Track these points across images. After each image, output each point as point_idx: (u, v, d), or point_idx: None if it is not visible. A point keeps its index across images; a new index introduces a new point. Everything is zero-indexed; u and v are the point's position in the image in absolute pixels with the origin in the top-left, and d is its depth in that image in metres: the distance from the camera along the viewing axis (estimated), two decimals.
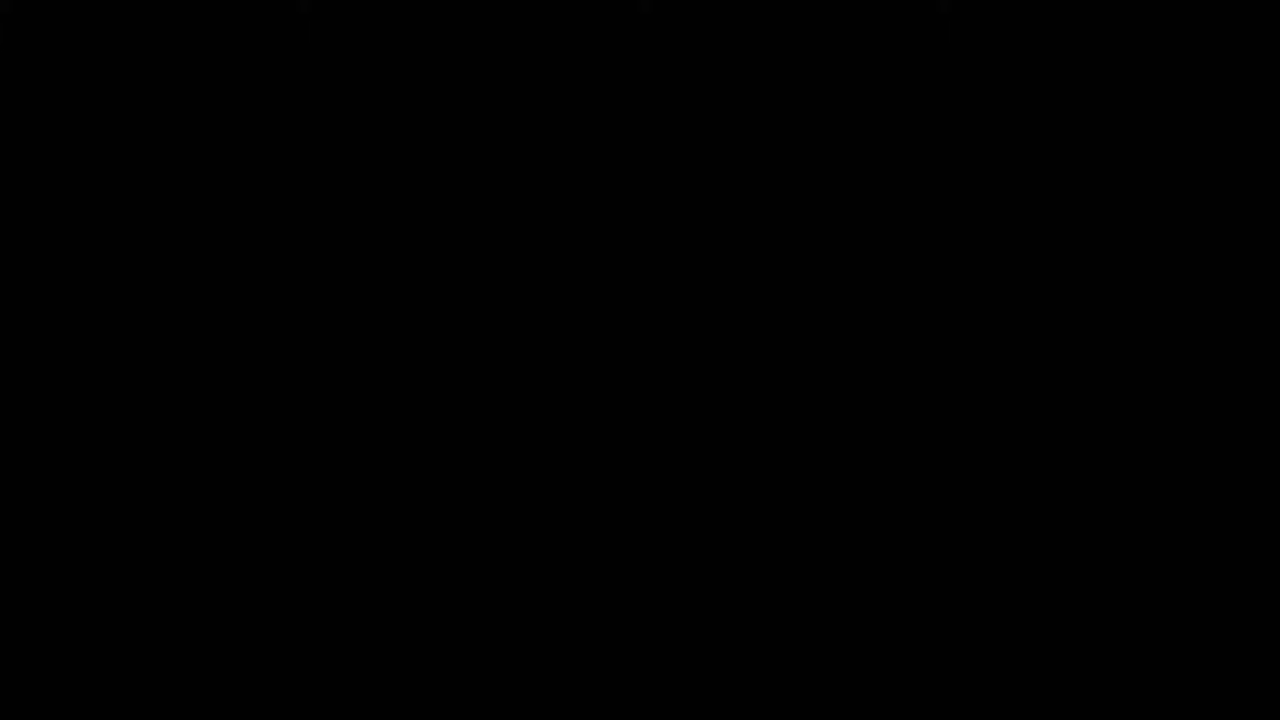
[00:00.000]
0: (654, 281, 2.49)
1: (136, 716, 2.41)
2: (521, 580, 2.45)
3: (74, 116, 2.50)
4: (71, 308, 2.48)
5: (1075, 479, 2.44)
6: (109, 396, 2.46)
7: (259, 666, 2.43)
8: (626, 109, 2.50)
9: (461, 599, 2.45)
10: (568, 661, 2.43)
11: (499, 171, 2.50)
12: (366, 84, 2.50)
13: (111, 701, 2.42)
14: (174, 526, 2.45)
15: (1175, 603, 2.42)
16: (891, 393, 2.46)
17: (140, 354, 2.47)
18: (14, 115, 2.50)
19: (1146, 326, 2.46)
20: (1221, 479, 2.43)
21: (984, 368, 2.46)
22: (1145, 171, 2.47)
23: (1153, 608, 2.42)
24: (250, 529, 2.45)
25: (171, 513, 2.45)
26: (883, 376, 2.46)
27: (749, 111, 2.49)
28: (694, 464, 2.46)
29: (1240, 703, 2.39)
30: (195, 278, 2.48)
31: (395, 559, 2.45)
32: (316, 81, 2.50)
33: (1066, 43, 2.48)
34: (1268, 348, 2.44)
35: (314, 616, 2.44)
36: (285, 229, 2.49)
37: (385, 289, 2.49)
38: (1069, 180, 2.48)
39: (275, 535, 2.45)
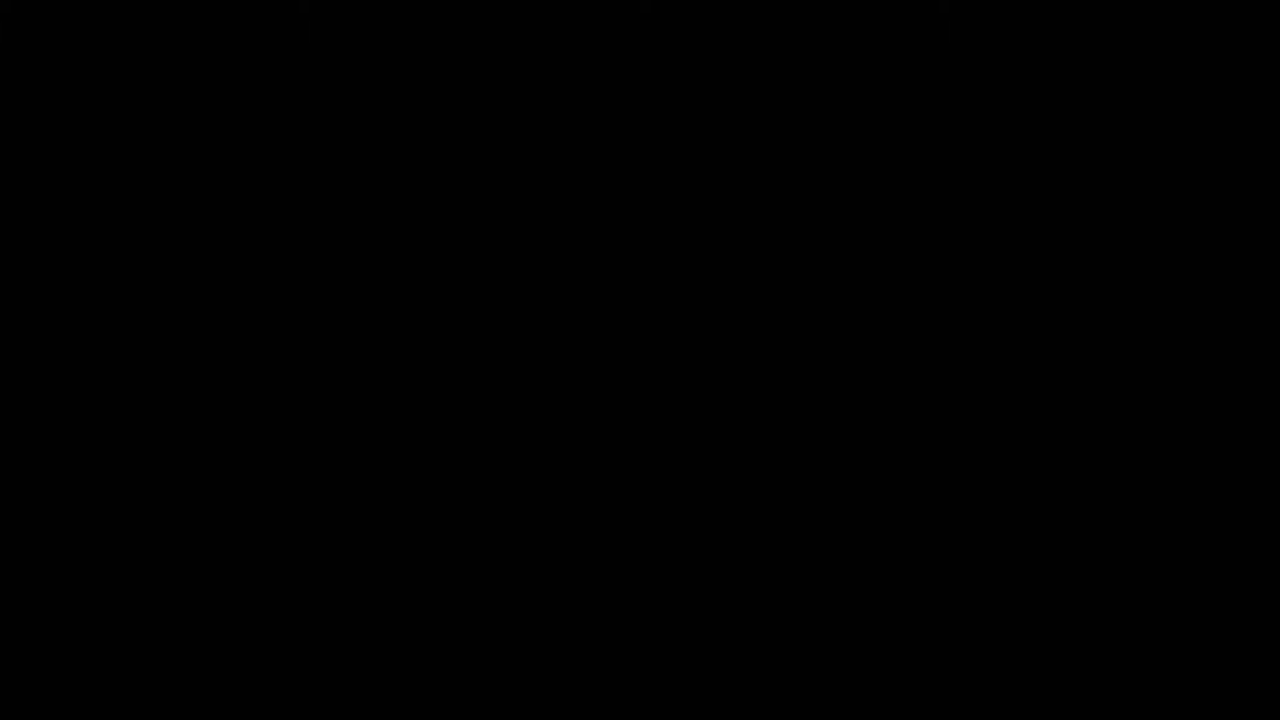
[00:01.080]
0: (654, 280, 2.49)
1: (136, 716, 2.42)
2: (522, 580, 2.45)
3: (74, 116, 2.50)
4: (72, 308, 2.48)
5: (1075, 479, 2.44)
6: (109, 396, 2.46)
7: (259, 666, 2.43)
8: (626, 109, 2.50)
9: (461, 599, 2.45)
10: (568, 661, 2.44)
11: (499, 171, 2.50)
12: (366, 84, 2.51)
13: (111, 701, 2.42)
14: (174, 526, 2.45)
15: (1175, 603, 2.42)
16: (891, 392, 2.46)
17: (140, 354, 2.47)
18: (14, 115, 2.50)
19: (1145, 325, 2.46)
20: (1221, 479, 2.43)
21: (983, 366, 2.46)
22: (1144, 171, 2.48)
23: (1153, 608, 2.42)
24: (250, 529, 2.45)
25: (171, 513, 2.45)
26: (882, 375, 2.46)
27: (749, 111, 2.50)
28: (693, 463, 2.46)
29: (1240, 703, 2.39)
30: (195, 277, 2.48)
31: (395, 559, 2.45)
32: (316, 81, 2.50)
33: (1066, 43, 2.48)
34: (1267, 347, 2.44)
35: (314, 616, 2.44)
36: (285, 228, 2.49)
37: (385, 288, 2.49)
38: (1068, 179, 2.48)
39: (275, 535, 2.45)
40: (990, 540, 2.44)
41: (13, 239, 2.48)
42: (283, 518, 2.46)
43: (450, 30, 2.51)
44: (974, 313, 2.47)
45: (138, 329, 2.48)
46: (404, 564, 2.45)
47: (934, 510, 2.45)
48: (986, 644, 2.42)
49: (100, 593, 2.44)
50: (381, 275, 2.49)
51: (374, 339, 2.48)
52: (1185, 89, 2.48)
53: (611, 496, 2.46)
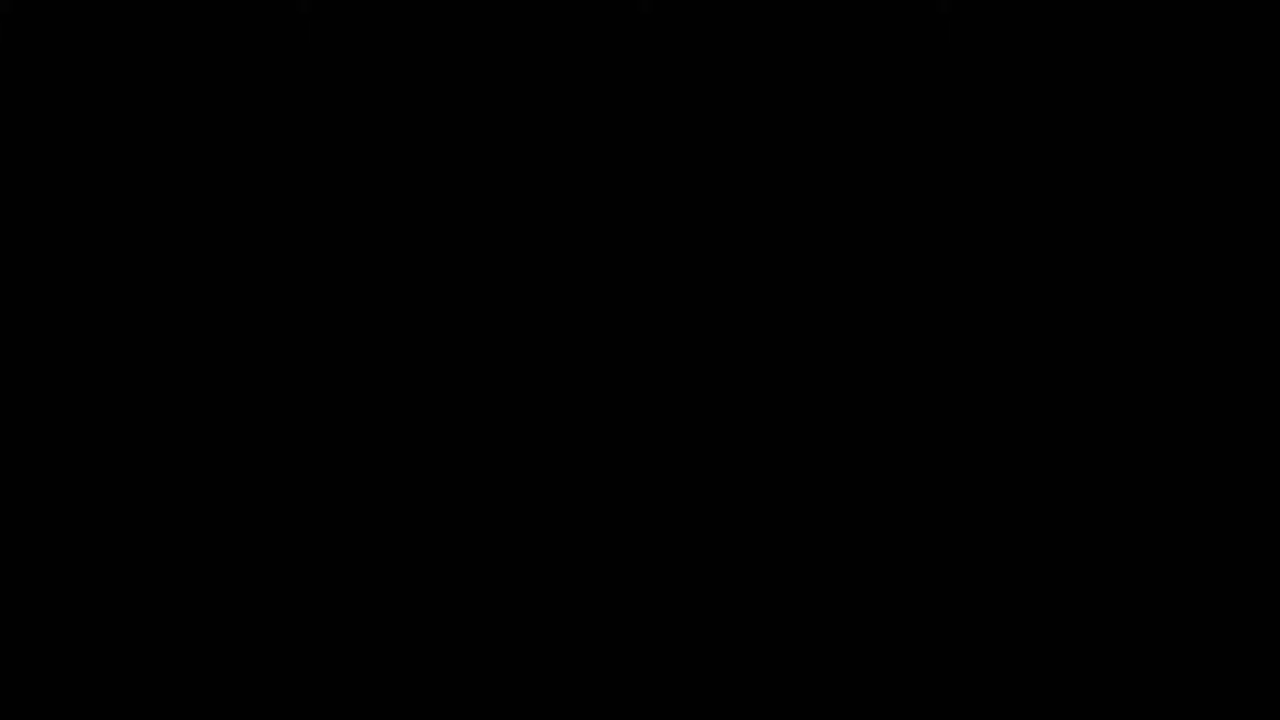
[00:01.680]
0: (654, 281, 2.49)
1: (136, 717, 2.42)
2: (522, 580, 2.45)
3: (74, 116, 2.50)
4: (71, 308, 2.48)
5: (1075, 479, 2.44)
6: (109, 396, 2.47)
7: (259, 666, 2.43)
8: (626, 109, 2.50)
9: (461, 599, 2.45)
10: (568, 661, 2.44)
11: (499, 172, 2.50)
12: (366, 84, 2.51)
13: (111, 702, 2.42)
14: (174, 526, 2.45)
15: (1175, 603, 2.42)
16: (891, 393, 2.46)
17: (140, 354, 2.47)
18: (14, 115, 2.50)
19: (1145, 326, 2.46)
20: (1221, 479, 2.43)
21: (983, 367, 2.46)
22: (1144, 171, 2.48)
23: (1153, 608, 2.42)
24: (250, 529, 2.45)
25: (171, 513, 2.45)
26: (883, 376, 2.46)
27: (749, 112, 2.50)
28: (693, 464, 2.46)
29: (1240, 703, 2.39)
30: (195, 278, 2.49)
31: (395, 559, 2.45)
32: (316, 81, 2.50)
33: (1066, 42, 2.48)
34: (1268, 348, 2.44)
35: (314, 617, 2.44)
36: (285, 229, 2.49)
37: (385, 289, 2.49)
38: (1068, 180, 2.48)
39: (275, 535, 2.45)
40: (990, 540, 2.44)
41: (13, 239, 2.49)
42: (282, 517, 2.46)
43: (450, 30, 2.51)
44: (974, 313, 2.47)
45: (138, 329, 2.48)
46: (404, 564, 2.45)
47: (934, 510, 2.45)
48: (987, 644, 2.42)
49: (100, 592, 2.44)
50: (381, 276, 2.49)
51: (374, 339, 2.48)
52: (1186, 89, 2.48)
53: (612, 496, 2.46)
